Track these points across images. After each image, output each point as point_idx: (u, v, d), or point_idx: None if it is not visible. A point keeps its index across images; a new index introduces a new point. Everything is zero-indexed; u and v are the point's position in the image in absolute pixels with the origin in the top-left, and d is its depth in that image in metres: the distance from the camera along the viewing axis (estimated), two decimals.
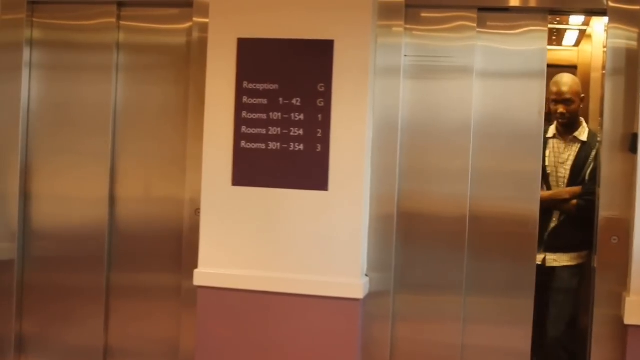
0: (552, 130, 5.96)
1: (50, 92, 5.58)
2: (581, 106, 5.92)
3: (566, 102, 5.78)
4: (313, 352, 4.84)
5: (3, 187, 5.51)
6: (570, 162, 5.82)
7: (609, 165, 4.71)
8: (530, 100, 4.89)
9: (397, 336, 5.00)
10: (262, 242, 4.87)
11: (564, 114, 5.78)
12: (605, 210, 4.69)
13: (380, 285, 4.92)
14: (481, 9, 4.93)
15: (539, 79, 4.90)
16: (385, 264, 4.92)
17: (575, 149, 5.83)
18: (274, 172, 4.85)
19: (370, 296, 4.89)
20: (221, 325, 4.93)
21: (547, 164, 5.85)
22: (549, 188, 5.83)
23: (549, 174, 5.86)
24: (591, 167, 5.66)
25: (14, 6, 5.49)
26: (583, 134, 5.85)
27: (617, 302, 4.65)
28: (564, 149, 5.86)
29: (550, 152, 5.89)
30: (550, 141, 5.92)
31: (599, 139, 5.64)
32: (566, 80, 5.83)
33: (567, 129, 5.87)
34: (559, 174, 5.82)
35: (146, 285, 5.48)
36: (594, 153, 5.69)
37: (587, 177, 5.68)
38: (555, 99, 5.83)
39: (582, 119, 5.92)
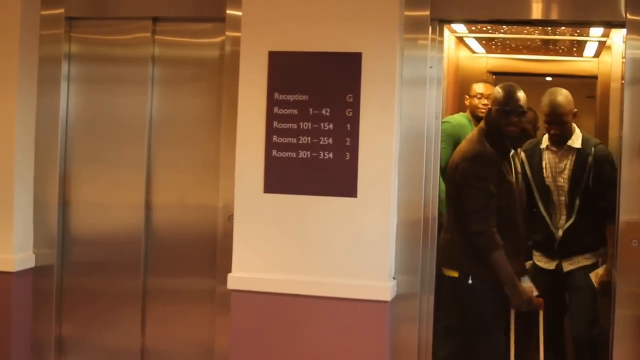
0: (545, 140, 5.90)
1: (88, 104, 5.72)
2: (573, 120, 5.84)
3: (559, 123, 5.71)
4: (343, 353, 4.91)
5: (43, 195, 5.65)
6: (567, 172, 5.75)
7: (628, 171, 4.77)
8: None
9: (423, 337, 5.09)
10: (293, 247, 4.96)
11: (557, 134, 5.74)
12: (625, 214, 4.75)
13: (407, 288, 5.01)
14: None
15: (434, 87, 5.04)
16: (412, 267, 5.01)
17: (571, 157, 5.75)
18: (304, 179, 4.94)
19: (397, 298, 4.97)
20: (254, 327, 5.02)
21: (545, 175, 5.81)
22: (548, 198, 5.81)
23: (547, 185, 5.81)
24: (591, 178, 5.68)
25: (52, 22, 5.64)
26: (577, 141, 5.76)
27: (638, 303, 4.75)
28: (560, 158, 5.79)
29: (546, 163, 5.84)
30: (545, 152, 5.87)
31: (597, 142, 5.72)
32: (559, 102, 5.73)
33: (560, 139, 5.79)
34: (558, 183, 5.77)
35: (181, 289, 5.58)
36: (590, 159, 5.67)
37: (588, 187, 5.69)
38: (547, 120, 5.78)
39: (574, 125, 5.84)
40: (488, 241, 5.04)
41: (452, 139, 6.22)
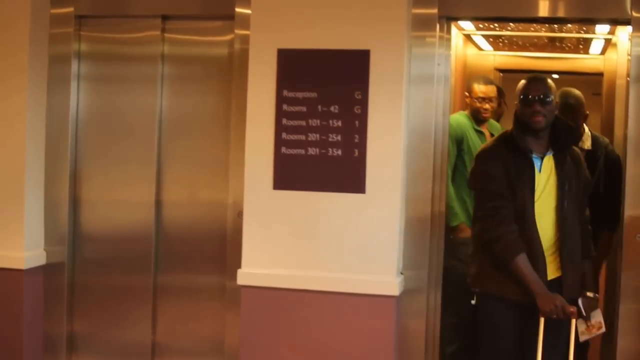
0: None
1: (98, 102, 5.74)
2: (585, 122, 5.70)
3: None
4: (351, 347, 4.95)
5: (53, 192, 5.68)
6: None
7: (634, 166, 4.80)
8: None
9: (431, 331, 5.13)
10: (302, 243, 4.99)
11: None
12: (630, 209, 4.78)
13: (414, 283, 5.03)
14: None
15: (442, 84, 5.07)
16: (420, 262, 5.04)
17: None
18: (313, 176, 4.97)
19: (405, 293, 5.00)
20: (264, 323, 5.05)
21: None
22: None
23: None
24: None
25: (62, 20, 5.66)
26: (587, 141, 5.65)
27: None
28: None
29: None
30: None
31: (606, 143, 5.66)
32: (571, 104, 5.55)
33: None
34: None
35: (192, 285, 5.61)
36: (601, 162, 5.59)
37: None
38: None
39: (584, 125, 5.71)
40: (505, 248, 4.52)
41: (455, 140, 6.13)
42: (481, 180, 4.70)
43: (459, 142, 6.17)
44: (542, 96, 4.62)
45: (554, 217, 4.64)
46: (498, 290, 4.65)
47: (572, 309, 4.49)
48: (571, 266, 4.66)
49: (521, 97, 4.67)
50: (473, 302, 4.80)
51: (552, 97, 4.66)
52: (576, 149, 4.92)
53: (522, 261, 4.49)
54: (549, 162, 4.68)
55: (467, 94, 6.61)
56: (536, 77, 4.77)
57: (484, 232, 4.63)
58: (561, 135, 4.73)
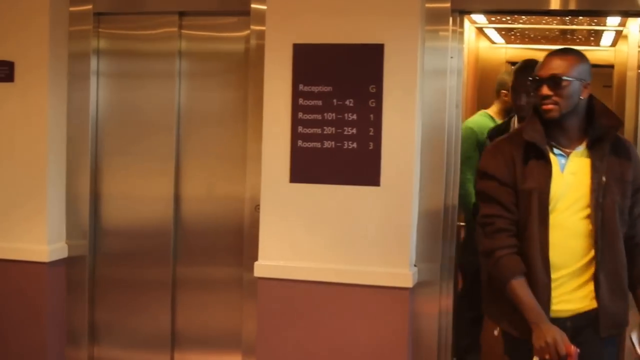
0: None
1: (117, 98, 5.81)
2: None
3: None
4: (366, 339, 5.02)
5: (75, 188, 5.76)
6: None
7: None
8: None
9: (444, 323, 5.17)
10: (318, 235, 5.05)
11: None
12: None
13: (428, 275, 5.07)
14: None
15: (455, 77, 5.09)
16: (433, 255, 5.07)
17: None
18: (329, 169, 5.02)
19: (418, 285, 5.05)
20: (280, 314, 5.12)
21: None
22: None
23: None
24: None
25: (81, 18, 5.72)
26: None
27: None
28: None
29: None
30: None
31: None
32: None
33: None
34: None
35: (210, 277, 5.68)
36: None
37: None
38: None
39: None
40: (498, 267, 3.71)
41: (477, 144, 5.94)
42: (480, 181, 3.89)
43: (481, 145, 5.92)
44: (552, 76, 3.66)
45: (588, 231, 3.69)
46: (496, 318, 3.93)
47: (571, 349, 3.46)
48: (611, 295, 3.71)
49: (530, 78, 3.81)
50: (496, 332, 4.01)
51: (568, 76, 3.64)
52: (624, 139, 3.94)
53: (519, 285, 3.64)
54: (579, 159, 3.74)
55: (505, 92, 6.22)
56: (554, 52, 3.80)
57: (479, 241, 3.84)
58: (598, 123, 3.75)
